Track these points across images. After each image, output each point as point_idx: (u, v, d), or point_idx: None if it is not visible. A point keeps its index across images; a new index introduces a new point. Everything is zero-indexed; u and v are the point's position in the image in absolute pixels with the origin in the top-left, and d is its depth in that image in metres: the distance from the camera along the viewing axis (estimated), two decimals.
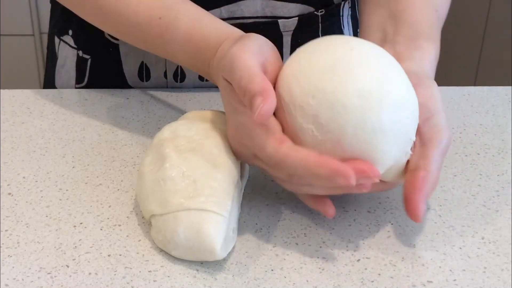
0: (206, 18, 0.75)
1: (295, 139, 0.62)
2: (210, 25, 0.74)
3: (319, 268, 0.62)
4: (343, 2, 0.98)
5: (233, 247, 0.64)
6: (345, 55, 0.63)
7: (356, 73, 0.61)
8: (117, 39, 0.95)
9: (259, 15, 0.91)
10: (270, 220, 0.69)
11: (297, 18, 0.93)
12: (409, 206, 0.62)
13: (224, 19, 0.90)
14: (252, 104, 0.61)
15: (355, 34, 1.03)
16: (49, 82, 1.05)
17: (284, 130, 0.63)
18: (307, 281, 0.61)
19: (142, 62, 0.96)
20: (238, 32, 0.72)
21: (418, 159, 0.64)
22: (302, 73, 0.62)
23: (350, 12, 1.01)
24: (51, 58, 1.04)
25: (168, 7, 0.76)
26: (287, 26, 0.93)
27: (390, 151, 0.62)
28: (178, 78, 0.97)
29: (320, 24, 0.96)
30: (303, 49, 0.66)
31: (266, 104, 0.60)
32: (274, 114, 0.63)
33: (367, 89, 0.60)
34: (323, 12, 0.95)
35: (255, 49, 0.65)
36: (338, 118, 0.60)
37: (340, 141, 0.60)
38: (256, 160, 0.65)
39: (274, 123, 0.63)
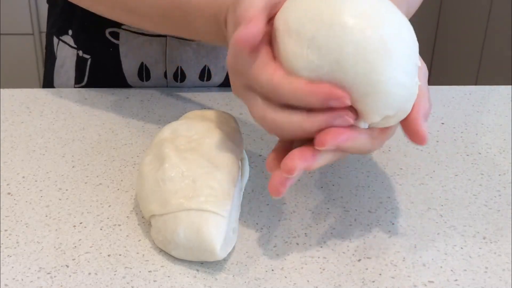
0: None
1: (290, 70, 0.59)
2: None
3: (320, 268, 0.62)
4: None
5: (234, 247, 0.64)
6: None
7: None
8: (117, 39, 0.95)
9: None
10: (270, 220, 0.69)
11: None
12: (410, 131, 0.60)
13: None
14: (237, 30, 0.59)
15: None
16: (48, 83, 1.05)
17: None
18: (308, 281, 0.61)
19: (142, 63, 0.96)
20: None
21: None
22: (298, 1, 0.60)
23: None
24: (49, 59, 1.04)
25: None
26: None
27: (396, 74, 0.58)
28: (178, 78, 0.97)
29: None
30: None
31: (246, 28, 0.58)
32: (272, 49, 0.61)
33: (367, 9, 0.58)
34: None
35: None
36: (337, 38, 0.57)
37: (339, 62, 0.57)
38: (249, 92, 0.62)
39: (269, 53, 0.61)
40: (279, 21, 0.61)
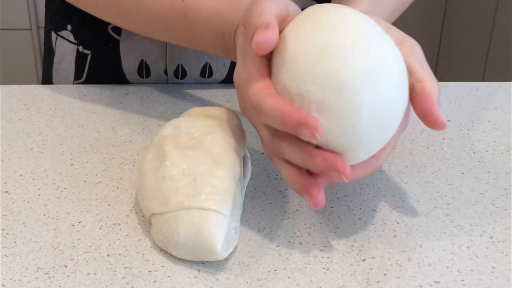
0: None
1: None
2: None
3: (324, 268, 0.62)
4: None
5: (235, 247, 0.64)
6: (335, 33, 0.59)
7: (355, 51, 0.59)
8: (119, 34, 0.95)
9: None
10: (273, 219, 0.69)
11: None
12: (426, 118, 0.62)
13: None
14: (253, 35, 0.60)
15: None
16: (46, 79, 1.05)
17: None
18: (311, 281, 0.61)
19: (142, 60, 0.96)
20: None
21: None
22: (290, 60, 0.60)
23: None
24: (48, 54, 1.04)
25: None
26: None
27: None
28: (179, 75, 0.97)
29: None
30: (287, 30, 0.62)
31: (264, 33, 0.59)
32: None
33: (371, 66, 0.58)
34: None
35: None
36: (351, 102, 0.58)
37: (356, 126, 0.58)
38: (248, 109, 0.65)
39: (267, 75, 0.62)
40: (276, 82, 0.61)
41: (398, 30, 0.67)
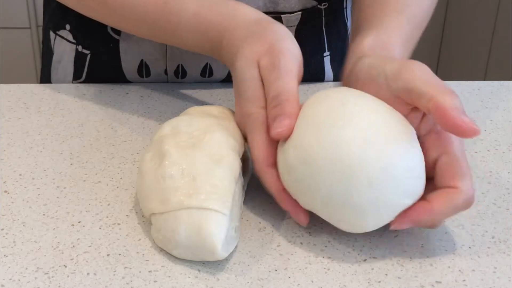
0: None
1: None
2: (220, 1, 0.76)
3: (325, 268, 0.62)
4: None
5: (236, 247, 0.64)
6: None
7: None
8: (118, 34, 0.95)
9: (261, 11, 0.92)
10: (274, 218, 0.69)
11: (300, 12, 0.93)
12: (454, 131, 0.59)
13: None
14: (276, 120, 0.64)
15: None
16: (45, 78, 1.05)
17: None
18: (312, 281, 0.61)
19: (142, 60, 0.96)
20: (256, 12, 0.75)
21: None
22: (289, 168, 0.64)
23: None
24: (46, 54, 1.04)
25: None
26: (291, 21, 0.93)
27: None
28: (179, 75, 0.97)
29: (323, 18, 0.96)
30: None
31: (288, 128, 0.63)
32: None
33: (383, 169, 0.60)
34: (326, 5, 0.95)
35: (297, 61, 0.69)
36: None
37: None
38: None
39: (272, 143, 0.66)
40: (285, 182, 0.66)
41: (396, 59, 0.68)
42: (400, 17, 0.75)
